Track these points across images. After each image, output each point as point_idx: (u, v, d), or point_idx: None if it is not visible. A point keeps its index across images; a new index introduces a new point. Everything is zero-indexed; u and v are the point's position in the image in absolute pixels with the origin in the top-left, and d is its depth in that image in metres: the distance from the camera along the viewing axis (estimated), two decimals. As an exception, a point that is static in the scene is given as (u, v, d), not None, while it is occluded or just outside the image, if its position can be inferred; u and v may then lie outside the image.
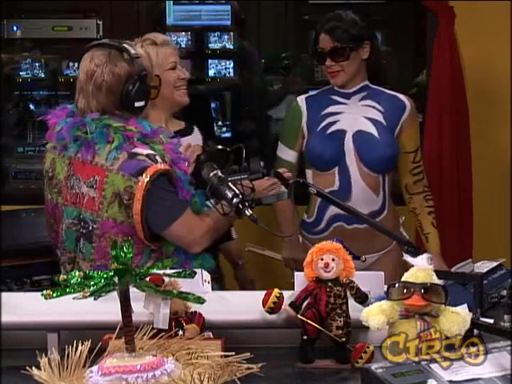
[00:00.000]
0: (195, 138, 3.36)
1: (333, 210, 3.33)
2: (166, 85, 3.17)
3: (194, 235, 2.76)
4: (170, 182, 2.73)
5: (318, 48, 3.40)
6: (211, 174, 2.70)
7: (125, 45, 2.79)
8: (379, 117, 3.39)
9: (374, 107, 3.40)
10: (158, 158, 2.71)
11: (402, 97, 3.46)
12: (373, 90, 3.44)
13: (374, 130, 3.37)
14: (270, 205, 3.23)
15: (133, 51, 2.78)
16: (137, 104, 2.77)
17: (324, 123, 3.40)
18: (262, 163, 2.85)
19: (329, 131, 3.39)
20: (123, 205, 2.69)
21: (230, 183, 2.66)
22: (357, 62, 3.38)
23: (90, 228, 2.76)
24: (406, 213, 3.58)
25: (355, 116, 3.39)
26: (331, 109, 3.41)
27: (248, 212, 2.62)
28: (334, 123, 3.40)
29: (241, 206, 2.63)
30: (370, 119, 3.38)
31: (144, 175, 2.66)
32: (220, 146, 3.00)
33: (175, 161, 2.78)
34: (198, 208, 2.84)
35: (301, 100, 3.50)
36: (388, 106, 3.41)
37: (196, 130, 3.45)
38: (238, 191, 2.65)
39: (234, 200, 2.62)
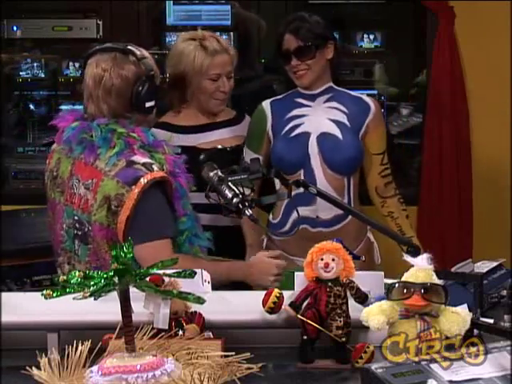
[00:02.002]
0: (245, 126, 3.51)
1: (300, 212, 3.26)
2: (203, 92, 3.36)
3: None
4: (164, 192, 2.72)
5: (282, 49, 3.36)
6: (211, 174, 2.71)
7: (129, 47, 2.81)
8: (343, 118, 3.36)
9: (338, 109, 3.38)
10: (154, 166, 2.69)
11: (366, 98, 3.44)
12: (337, 92, 3.41)
13: (337, 132, 3.34)
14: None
15: (138, 52, 2.80)
16: (147, 104, 2.78)
17: (288, 126, 3.38)
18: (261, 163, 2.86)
19: (293, 134, 3.36)
20: (111, 210, 2.69)
21: (229, 183, 2.66)
22: (322, 61, 3.36)
23: (86, 230, 2.76)
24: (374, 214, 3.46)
25: (319, 118, 3.36)
26: (296, 112, 3.39)
27: (248, 212, 2.63)
28: (298, 126, 3.37)
29: (241, 206, 2.63)
30: (334, 121, 3.35)
31: (136, 185, 2.65)
32: (220, 146, 3.00)
33: (174, 173, 2.77)
34: (181, 229, 2.79)
35: (266, 104, 3.47)
36: (352, 107, 3.38)
37: (247, 118, 3.57)
38: (237, 191, 2.66)
39: (234, 200, 2.63)
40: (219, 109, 3.47)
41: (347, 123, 3.35)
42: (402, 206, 3.49)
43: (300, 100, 3.40)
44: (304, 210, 3.28)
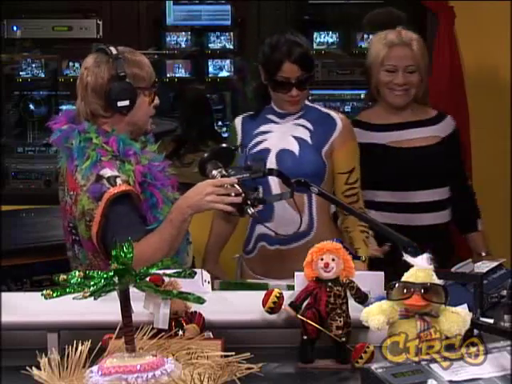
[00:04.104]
0: (445, 127, 3.56)
1: (259, 229, 3.24)
2: (380, 85, 3.53)
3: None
4: (130, 205, 2.72)
5: (279, 76, 3.18)
6: (214, 172, 2.71)
7: (111, 47, 2.80)
8: (306, 135, 3.25)
9: (304, 126, 3.28)
10: (118, 180, 2.70)
11: (334, 115, 3.31)
12: (308, 109, 3.31)
13: (296, 149, 3.23)
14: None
15: (114, 52, 2.78)
16: (120, 103, 2.77)
17: (253, 142, 3.29)
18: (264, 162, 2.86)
19: (255, 150, 3.27)
20: (86, 225, 2.74)
21: None
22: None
23: (79, 237, 2.82)
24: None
25: (283, 135, 3.27)
26: (262, 128, 3.30)
27: (250, 210, 2.64)
28: (261, 142, 3.28)
29: (243, 205, 2.64)
30: (296, 138, 3.25)
31: (102, 200, 2.69)
32: (224, 145, 3.00)
33: (145, 183, 2.77)
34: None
35: (237, 120, 3.40)
36: (318, 124, 3.27)
37: (448, 119, 3.60)
38: (240, 190, 2.66)
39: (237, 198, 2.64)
40: (399, 103, 3.50)
41: (309, 140, 3.24)
42: (360, 222, 3.26)
43: (271, 117, 3.31)
44: (263, 227, 3.15)
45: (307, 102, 3.34)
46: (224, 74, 5.27)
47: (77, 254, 2.86)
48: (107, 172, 2.71)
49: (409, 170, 3.55)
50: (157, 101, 2.88)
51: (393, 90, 3.52)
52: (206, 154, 2.85)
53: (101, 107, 2.79)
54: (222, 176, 2.69)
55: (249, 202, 2.65)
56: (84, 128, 2.78)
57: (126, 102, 2.78)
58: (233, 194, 2.67)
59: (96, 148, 2.75)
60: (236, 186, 2.68)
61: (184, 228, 2.75)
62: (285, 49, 3.18)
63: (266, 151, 3.25)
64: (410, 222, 3.52)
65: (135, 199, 2.73)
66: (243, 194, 2.65)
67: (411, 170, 3.55)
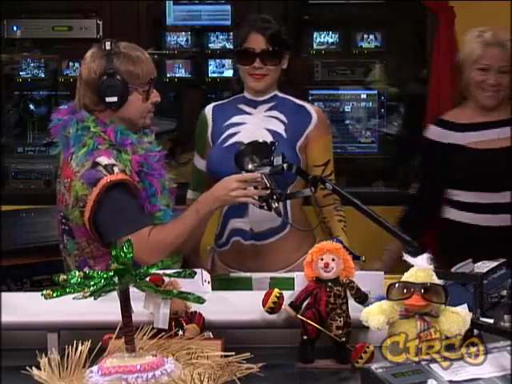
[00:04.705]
0: None
1: (233, 223, 3.23)
2: (472, 84, 3.51)
3: (152, 257, 2.56)
4: (127, 193, 2.73)
5: (245, 47, 3.19)
6: (250, 166, 2.82)
7: (108, 42, 2.80)
8: (280, 129, 3.22)
9: (277, 118, 3.24)
10: (116, 168, 2.71)
11: (309, 108, 3.29)
12: (281, 100, 3.26)
13: None
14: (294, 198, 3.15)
15: (108, 48, 2.78)
16: (108, 99, 2.77)
17: (225, 135, 3.25)
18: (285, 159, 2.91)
19: (227, 143, 3.23)
20: (80, 211, 2.73)
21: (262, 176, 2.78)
22: (279, 69, 3.23)
23: (70, 225, 2.81)
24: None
25: (256, 128, 3.22)
26: (235, 119, 3.26)
27: (274, 205, 2.75)
28: (234, 135, 3.24)
29: (269, 200, 2.74)
30: (270, 131, 3.21)
31: (96, 187, 2.69)
32: (261, 140, 3.02)
33: (142, 172, 2.77)
34: (159, 222, 2.79)
35: (208, 109, 3.35)
36: (292, 117, 3.24)
37: None
38: (268, 184, 2.75)
39: (264, 193, 2.76)
40: (489, 103, 3.49)
41: (283, 134, 3.20)
42: (337, 212, 3.28)
43: (242, 106, 3.28)
44: (237, 222, 3.19)
45: (280, 93, 3.29)
46: (224, 74, 5.27)
47: (66, 245, 2.85)
48: (104, 160, 2.72)
49: (491, 170, 3.54)
50: (157, 97, 2.88)
51: (484, 90, 3.51)
52: (242, 147, 2.90)
53: (92, 101, 2.80)
54: (246, 171, 2.81)
55: (275, 197, 2.74)
56: (82, 117, 2.79)
57: (114, 99, 2.78)
58: (259, 188, 2.79)
59: (93, 136, 2.75)
60: (264, 179, 2.78)
61: (207, 219, 2.85)
62: (252, 21, 3.24)
63: (239, 145, 3.15)
64: (490, 222, 3.51)
65: (132, 189, 2.73)
66: (270, 189, 2.75)
67: (493, 170, 3.54)
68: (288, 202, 3.20)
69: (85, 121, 2.78)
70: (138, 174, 2.76)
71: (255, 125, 3.24)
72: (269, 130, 3.22)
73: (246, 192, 2.80)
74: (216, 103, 3.39)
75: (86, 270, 2.73)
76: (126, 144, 2.78)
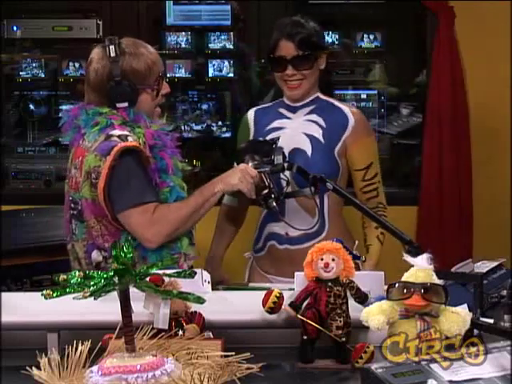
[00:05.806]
0: None
1: (269, 228, 3.22)
2: None
3: (152, 231, 2.72)
4: (139, 162, 2.72)
5: (276, 55, 3.15)
6: (250, 164, 2.84)
7: (112, 46, 2.78)
8: (318, 134, 3.18)
9: (316, 122, 3.20)
10: (129, 138, 2.71)
11: (346, 111, 3.22)
12: (321, 103, 3.23)
13: (308, 148, 3.16)
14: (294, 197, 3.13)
15: (113, 54, 2.77)
16: (118, 105, 2.78)
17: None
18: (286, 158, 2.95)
19: None
20: (92, 184, 2.72)
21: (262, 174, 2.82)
22: (316, 71, 3.19)
23: (79, 208, 2.80)
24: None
25: (295, 132, 3.19)
26: (275, 123, 3.24)
27: (272, 204, 2.79)
28: None
29: (268, 198, 2.77)
30: (309, 135, 3.18)
31: (110, 154, 2.68)
32: (261, 138, 3.02)
33: (154, 146, 2.77)
34: (165, 200, 2.80)
35: (250, 113, 3.34)
36: (330, 121, 3.19)
37: None
38: (267, 183, 2.77)
39: (263, 191, 2.78)
40: None
41: (321, 139, 3.17)
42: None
43: (282, 110, 3.25)
44: (273, 226, 3.19)
45: (322, 95, 3.25)
46: (224, 74, 5.27)
47: (74, 230, 2.84)
48: (118, 132, 2.72)
49: None
50: (167, 89, 2.89)
51: None
52: (243, 145, 2.91)
53: (102, 103, 2.80)
54: (256, 167, 2.84)
55: (273, 196, 2.76)
56: (92, 106, 2.80)
57: (125, 104, 2.79)
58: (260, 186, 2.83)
59: (107, 115, 2.76)
60: (263, 177, 2.81)
61: (211, 202, 2.83)
62: (282, 27, 3.17)
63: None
64: None
65: (144, 159, 2.73)
66: (268, 189, 2.78)
67: None
68: (325, 206, 3.18)
69: (95, 108, 2.79)
70: (150, 149, 2.75)
71: (294, 129, 3.21)
72: (307, 135, 3.19)
73: (247, 184, 2.81)
74: (258, 107, 3.39)
75: (94, 254, 2.80)
76: (140, 120, 2.79)
